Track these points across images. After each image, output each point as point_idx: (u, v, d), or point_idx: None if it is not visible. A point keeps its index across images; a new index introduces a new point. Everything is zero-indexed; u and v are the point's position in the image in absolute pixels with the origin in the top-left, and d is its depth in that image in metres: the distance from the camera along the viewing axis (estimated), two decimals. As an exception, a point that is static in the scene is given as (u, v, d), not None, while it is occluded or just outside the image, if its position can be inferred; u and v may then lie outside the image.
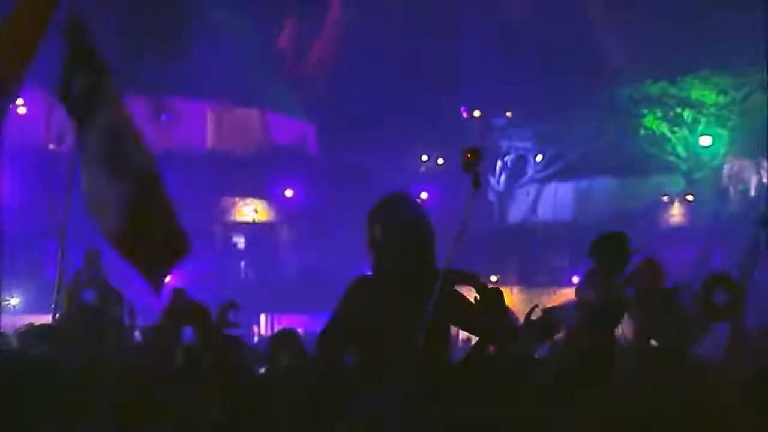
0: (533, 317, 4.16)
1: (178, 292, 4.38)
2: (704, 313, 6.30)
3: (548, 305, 4.76)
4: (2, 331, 9.63)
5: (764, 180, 32.27)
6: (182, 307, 4.20)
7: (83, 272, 8.97)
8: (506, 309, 4.19)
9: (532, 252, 29.77)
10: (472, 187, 4.12)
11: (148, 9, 28.91)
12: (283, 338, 6.88)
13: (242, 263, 30.01)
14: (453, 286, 4.24)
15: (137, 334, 7.27)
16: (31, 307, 21.51)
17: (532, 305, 4.30)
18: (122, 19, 26.82)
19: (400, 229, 4.26)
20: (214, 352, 4.00)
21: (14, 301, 22.23)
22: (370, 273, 4.35)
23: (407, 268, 4.21)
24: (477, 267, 4.82)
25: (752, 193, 32.50)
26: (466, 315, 4.21)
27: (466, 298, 4.23)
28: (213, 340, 4.09)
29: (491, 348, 4.14)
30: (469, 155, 4.09)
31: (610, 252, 7.14)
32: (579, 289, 7.41)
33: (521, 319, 4.24)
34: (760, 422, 3.79)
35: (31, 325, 4.75)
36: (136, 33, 27.60)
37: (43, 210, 22.53)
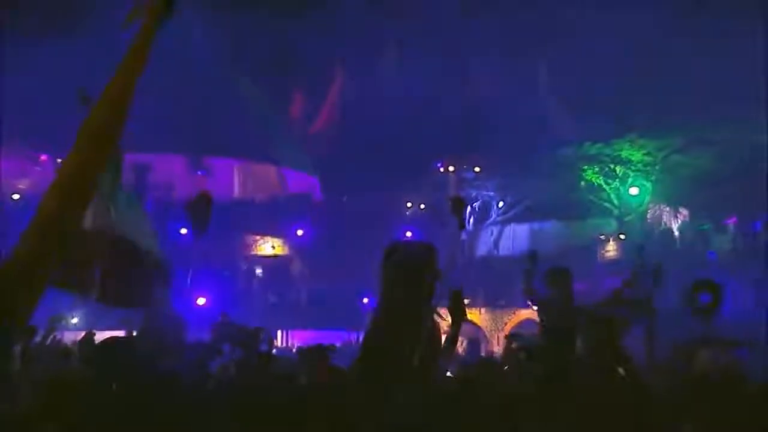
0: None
1: (223, 316, 4.37)
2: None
3: (511, 326, 4.82)
4: (68, 345, 9.55)
5: (680, 221, 32.45)
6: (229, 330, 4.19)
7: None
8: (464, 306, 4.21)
9: (495, 280, 29.65)
10: (457, 228, 4.13)
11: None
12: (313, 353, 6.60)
13: (262, 289, 29.88)
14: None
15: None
16: (86, 325, 21.43)
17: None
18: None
19: (406, 274, 4.22)
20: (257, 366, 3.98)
21: (74, 320, 22.12)
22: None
23: (410, 306, 4.17)
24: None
25: (674, 231, 32.69)
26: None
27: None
28: (254, 357, 4.07)
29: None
30: (455, 203, 4.09)
31: (557, 282, 7.13)
32: (539, 312, 7.40)
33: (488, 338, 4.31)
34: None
35: (111, 337, 4.63)
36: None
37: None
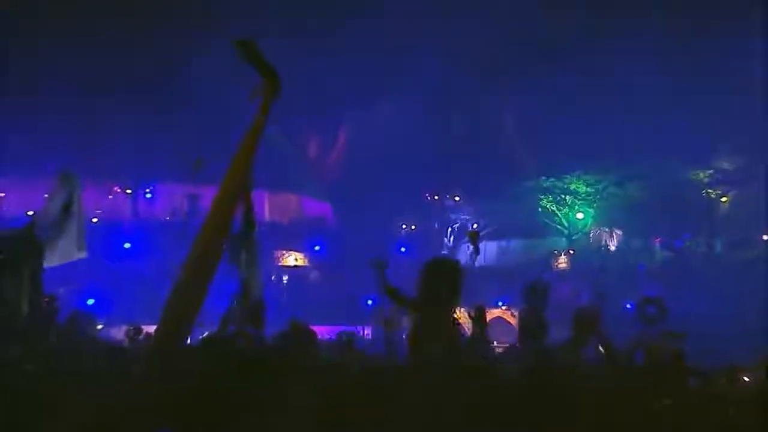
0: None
1: (295, 320, 4.57)
2: None
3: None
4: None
5: (616, 240, 32.62)
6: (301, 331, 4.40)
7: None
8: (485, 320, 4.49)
9: (471, 286, 29.63)
10: (472, 251, 4.31)
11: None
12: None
13: (287, 292, 29.85)
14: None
15: None
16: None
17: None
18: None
19: (439, 281, 4.46)
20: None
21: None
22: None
23: (441, 305, 4.39)
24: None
25: (611, 248, 32.82)
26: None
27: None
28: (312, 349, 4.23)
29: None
30: (471, 236, 4.36)
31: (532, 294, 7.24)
32: (520, 314, 7.53)
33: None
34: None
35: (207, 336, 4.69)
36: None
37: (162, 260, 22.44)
